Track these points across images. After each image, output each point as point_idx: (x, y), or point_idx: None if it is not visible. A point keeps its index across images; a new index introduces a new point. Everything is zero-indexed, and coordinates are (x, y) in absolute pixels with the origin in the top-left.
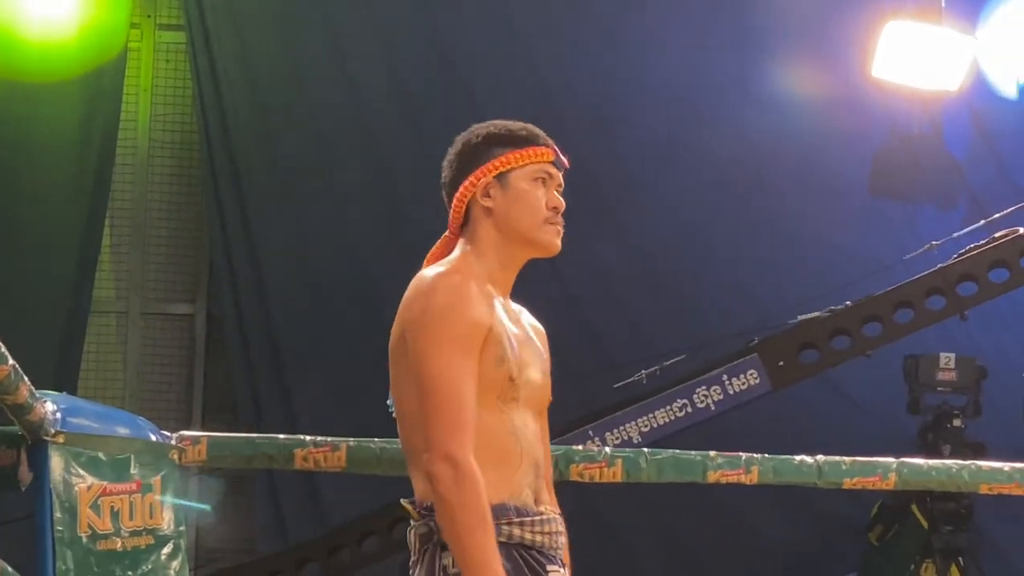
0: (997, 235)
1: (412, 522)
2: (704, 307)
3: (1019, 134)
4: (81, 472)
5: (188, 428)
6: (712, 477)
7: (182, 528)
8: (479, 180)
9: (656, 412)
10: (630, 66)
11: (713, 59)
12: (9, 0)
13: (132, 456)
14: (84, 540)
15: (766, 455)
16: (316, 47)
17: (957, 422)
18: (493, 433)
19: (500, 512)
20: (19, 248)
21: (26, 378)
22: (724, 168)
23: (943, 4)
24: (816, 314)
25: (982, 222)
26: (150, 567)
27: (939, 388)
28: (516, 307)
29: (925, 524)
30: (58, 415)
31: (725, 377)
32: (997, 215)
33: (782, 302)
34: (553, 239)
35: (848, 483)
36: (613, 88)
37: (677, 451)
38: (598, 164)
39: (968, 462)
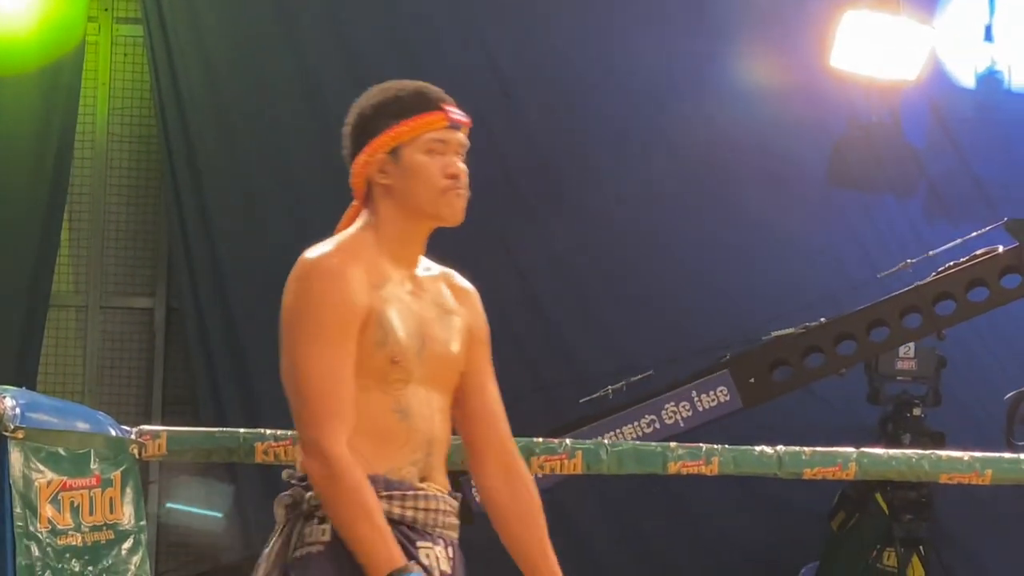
0: (978, 253)
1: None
2: (664, 299)
3: (977, 123)
4: (41, 467)
5: (148, 423)
6: (672, 468)
7: (142, 523)
8: (372, 158)
9: (624, 428)
10: (589, 55)
11: (672, 48)
12: None
13: (92, 451)
14: (44, 535)
15: (726, 446)
16: (273, 40)
17: (917, 411)
18: (374, 413)
19: (370, 483)
20: None
21: None
22: (682, 157)
23: None
24: (790, 330)
25: (959, 240)
26: (111, 562)
27: (899, 378)
28: (437, 272)
29: (887, 511)
30: (17, 410)
31: (694, 393)
32: (974, 233)
33: (743, 293)
34: (453, 210)
35: (808, 473)
36: (572, 77)
37: (637, 442)
38: (556, 153)
39: (928, 452)
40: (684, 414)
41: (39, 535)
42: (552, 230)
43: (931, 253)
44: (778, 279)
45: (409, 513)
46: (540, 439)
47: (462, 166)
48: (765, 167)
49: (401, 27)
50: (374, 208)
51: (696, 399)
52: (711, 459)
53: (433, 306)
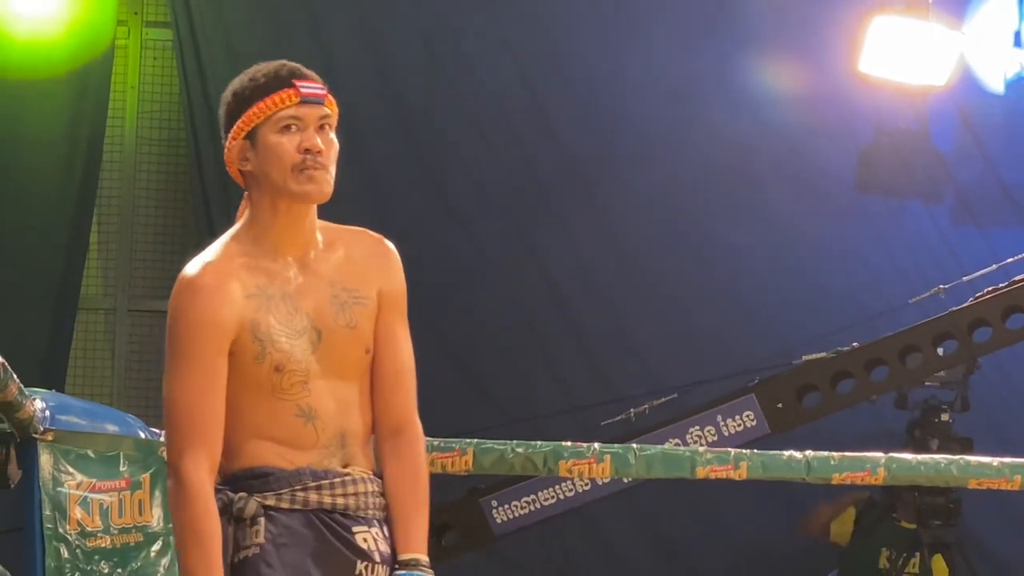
0: (1017, 279)
1: None
2: (691, 312)
3: (1006, 129)
4: (70, 469)
5: None
6: (701, 473)
7: (171, 525)
8: (232, 146)
9: None
10: (618, 63)
11: (698, 54)
12: None
13: (121, 453)
14: (73, 537)
15: (755, 451)
16: (302, 44)
17: (945, 417)
18: (279, 421)
19: (295, 478)
20: (5, 245)
21: (15, 376)
22: (710, 164)
23: None
24: (821, 355)
25: (994, 266)
26: (139, 564)
27: (927, 383)
28: (337, 245)
29: (908, 525)
30: (47, 413)
31: (720, 417)
32: (1010, 260)
33: (772, 303)
34: (307, 186)
35: (837, 478)
36: (597, 84)
37: (665, 447)
38: (584, 161)
39: (956, 457)
40: (709, 438)
41: (68, 537)
42: (580, 238)
43: (966, 279)
44: (807, 287)
45: (340, 500)
46: (568, 443)
47: (326, 140)
48: (793, 173)
49: (429, 31)
50: (250, 199)
51: (722, 423)
52: (739, 464)
53: (329, 289)
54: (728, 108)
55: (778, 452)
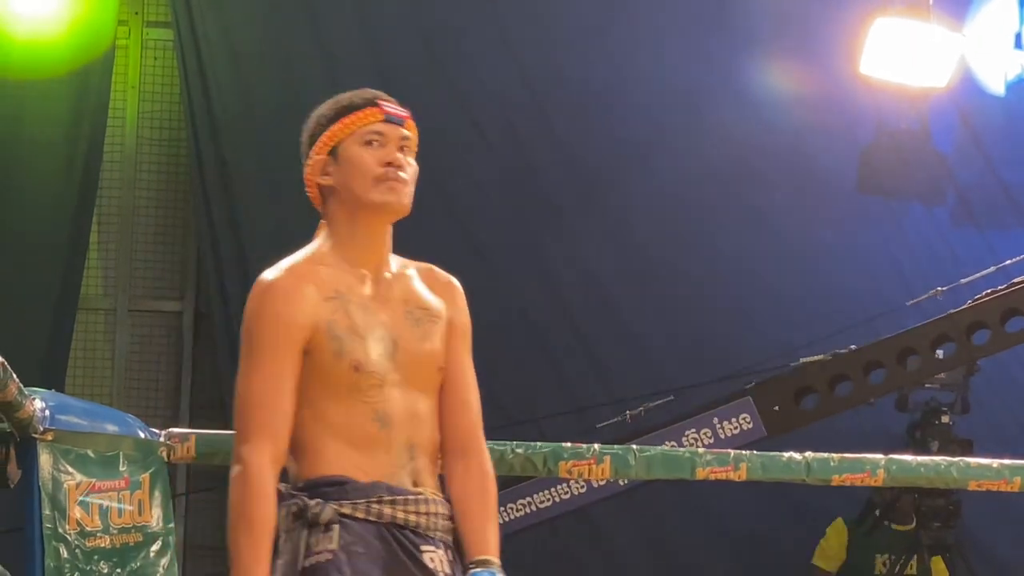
0: (1016, 280)
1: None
2: (691, 313)
3: (1006, 130)
4: (70, 469)
5: (177, 425)
6: (701, 474)
7: (171, 525)
8: (315, 161)
9: None
10: (619, 63)
11: (700, 55)
12: None
13: (121, 453)
14: (72, 537)
15: (755, 452)
16: (303, 44)
17: (945, 419)
18: (353, 422)
19: (371, 490)
20: (5, 245)
21: (15, 376)
22: (711, 165)
23: (931, 1)
24: (819, 357)
25: (993, 268)
26: (139, 564)
27: (927, 385)
28: (413, 270)
29: (906, 527)
30: (47, 412)
31: (716, 420)
32: (1009, 261)
33: (772, 305)
34: (388, 198)
35: (837, 480)
36: (599, 84)
37: (666, 448)
38: (585, 162)
39: (956, 459)
40: (706, 441)
41: (68, 537)
42: (580, 238)
43: (964, 281)
44: (808, 287)
45: (412, 518)
46: (568, 444)
47: (405, 158)
48: (793, 174)
49: (429, 31)
50: (328, 217)
51: (718, 426)
52: (739, 465)
53: (403, 306)
54: (729, 109)
55: (778, 453)
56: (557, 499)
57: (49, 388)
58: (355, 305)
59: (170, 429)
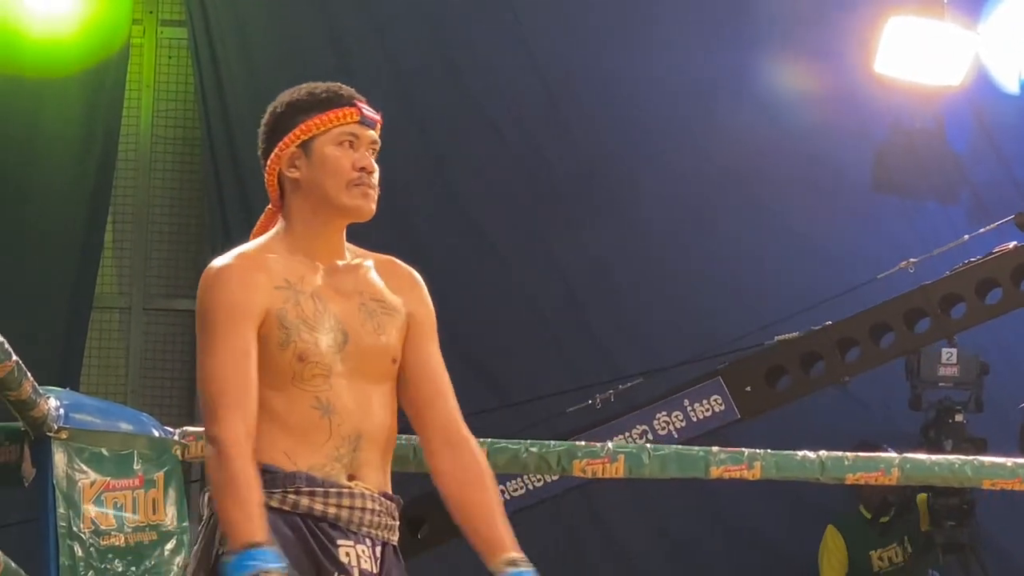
0: (996, 250)
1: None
2: (703, 311)
3: (1021, 129)
4: (84, 468)
5: (191, 424)
6: (715, 473)
7: (185, 523)
8: (283, 152)
9: (614, 439)
10: (630, 61)
11: (714, 54)
12: None
13: (135, 452)
14: (87, 536)
15: (768, 451)
16: (317, 43)
17: (959, 417)
18: (294, 410)
19: (288, 480)
20: (21, 244)
21: (29, 374)
22: (724, 165)
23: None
24: (795, 334)
25: (966, 237)
26: (153, 562)
27: (941, 384)
28: (371, 262)
29: (927, 518)
30: (61, 411)
31: (687, 402)
32: (982, 229)
33: (781, 297)
34: (360, 201)
35: (851, 478)
36: (612, 83)
37: (679, 447)
38: (598, 159)
39: (970, 458)
40: (677, 424)
41: (82, 535)
42: (594, 236)
43: (936, 252)
44: (822, 286)
45: (332, 510)
46: (582, 442)
47: (374, 163)
48: (808, 173)
49: (443, 31)
50: (287, 209)
51: (689, 408)
52: (753, 463)
53: (357, 298)
54: (744, 108)
55: (792, 452)
56: (531, 487)
57: (64, 387)
58: (305, 296)
59: (184, 427)
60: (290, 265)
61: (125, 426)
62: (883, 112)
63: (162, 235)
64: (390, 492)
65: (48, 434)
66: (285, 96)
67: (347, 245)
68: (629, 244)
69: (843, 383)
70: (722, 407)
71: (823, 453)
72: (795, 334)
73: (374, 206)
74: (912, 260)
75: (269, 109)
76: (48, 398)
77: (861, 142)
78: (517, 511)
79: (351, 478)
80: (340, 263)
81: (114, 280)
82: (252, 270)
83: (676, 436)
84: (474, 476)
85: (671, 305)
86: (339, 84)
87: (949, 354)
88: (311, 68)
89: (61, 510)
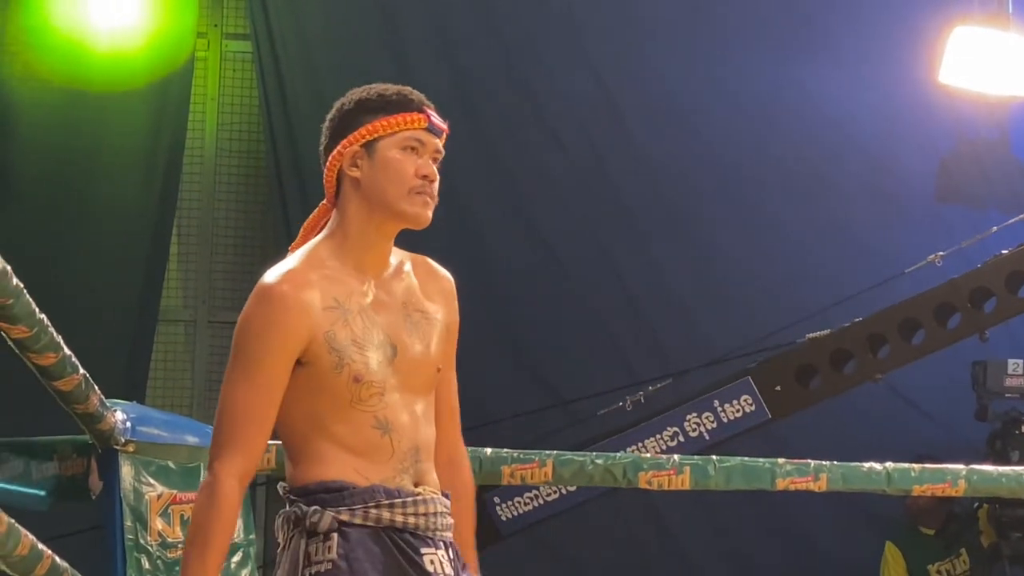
0: None
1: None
2: (764, 312)
3: None
4: (151, 481)
5: None
6: (781, 484)
7: (252, 536)
8: (346, 149)
9: (645, 441)
10: (693, 68)
11: (778, 64)
12: (77, 11)
13: (201, 465)
14: (154, 548)
15: (835, 462)
16: (379, 55)
17: None
18: (356, 431)
19: (369, 495)
20: (87, 258)
21: (96, 387)
22: (789, 173)
23: (1011, 10)
24: (825, 332)
25: (994, 229)
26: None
27: (1007, 395)
28: (408, 265)
29: (993, 531)
30: (128, 424)
31: (716, 403)
32: (1011, 220)
33: (846, 307)
34: (420, 209)
35: (918, 490)
36: (676, 91)
37: (745, 458)
38: (664, 172)
39: None
40: (708, 426)
41: (149, 548)
42: (654, 244)
43: (964, 244)
44: (889, 297)
45: (411, 520)
46: (648, 455)
47: (436, 171)
48: (873, 183)
49: (507, 42)
50: (342, 208)
51: (720, 409)
52: (820, 475)
53: (402, 309)
54: (809, 118)
55: (858, 464)
56: (564, 491)
57: (130, 400)
58: (353, 314)
59: None
60: (339, 279)
61: (191, 439)
62: (948, 122)
63: (227, 248)
64: (445, 490)
65: (115, 447)
66: (354, 94)
67: None
68: (687, 250)
69: (875, 380)
70: (753, 407)
71: (889, 465)
72: (825, 332)
73: (431, 215)
74: (940, 254)
75: (336, 105)
76: (115, 411)
77: (926, 152)
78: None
79: (417, 485)
80: (387, 274)
81: (179, 293)
82: (300, 292)
83: (708, 438)
84: (464, 495)
85: (730, 314)
86: (409, 88)
87: (1016, 364)
88: (374, 80)
89: (128, 523)
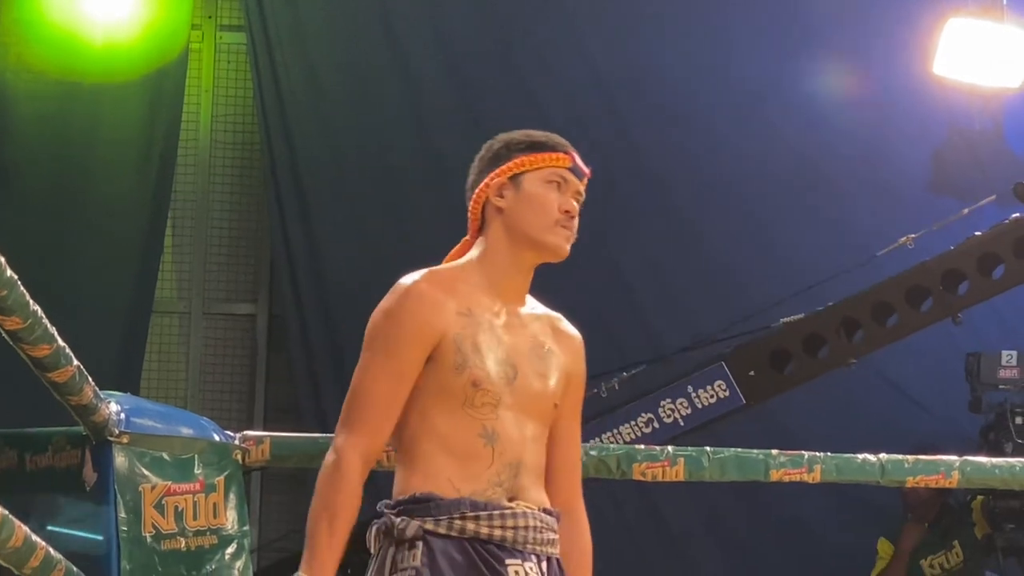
0: (1008, 221)
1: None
2: (758, 303)
3: None
4: (145, 472)
5: (251, 428)
6: (775, 476)
7: (246, 528)
8: (493, 181)
9: (620, 428)
10: (693, 67)
11: (770, 56)
12: (71, 3)
13: (196, 456)
14: (148, 540)
15: (829, 454)
16: (376, 48)
17: (1019, 420)
18: (460, 435)
19: (455, 507)
20: (81, 249)
21: (90, 379)
22: (783, 165)
23: (1004, 1)
24: (794, 317)
25: (965, 211)
26: (214, 567)
27: (1001, 386)
28: (542, 313)
29: (986, 522)
30: (122, 415)
31: (690, 389)
32: (983, 201)
33: (839, 297)
34: (561, 242)
35: (911, 481)
36: (669, 85)
37: (739, 450)
38: (661, 165)
39: None
40: (683, 412)
41: (144, 539)
42: (650, 238)
43: (935, 226)
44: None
45: (497, 532)
46: (642, 446)
47: (576, 207)
48: (866, 175)
49: (504, 36)
50: (484, 237)
51: (694, 395)
52: (813, 467)
53: (530, 340)
54: (802, 110)
55: (852, 455)
56: None
57: (124, 391)
58: (484, 327)
59: (245, 432)
60: (475, 295)
61: (186, 430)
62: (942, 114)
63: (221, 240)
64: (549, 507)
65: (109, 438)
66: (503, 136)
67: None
68: (683, 244)
69: (848, 365)
70: (727, 393)
71: (883, 456)
72: (799, 316)
73: (569, 249)
74: (912, 236)
75: (485, 145)
76: (109, 402)
77: (920, 144)
78: None
79: (511, 499)
80: (521, 308)
81: (174, 285)
82: (440, 292)
83: (682, 424)
84: (578, 551)
85: (725, 305)
86: (556, 134)
87: (1009, 356)
88: (370, 73)
89: (122, 514)
